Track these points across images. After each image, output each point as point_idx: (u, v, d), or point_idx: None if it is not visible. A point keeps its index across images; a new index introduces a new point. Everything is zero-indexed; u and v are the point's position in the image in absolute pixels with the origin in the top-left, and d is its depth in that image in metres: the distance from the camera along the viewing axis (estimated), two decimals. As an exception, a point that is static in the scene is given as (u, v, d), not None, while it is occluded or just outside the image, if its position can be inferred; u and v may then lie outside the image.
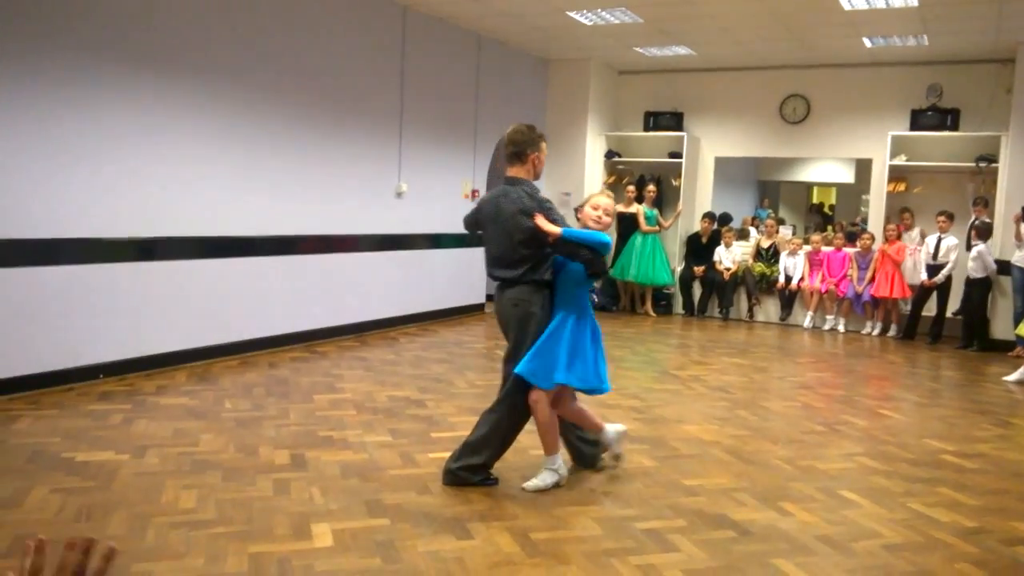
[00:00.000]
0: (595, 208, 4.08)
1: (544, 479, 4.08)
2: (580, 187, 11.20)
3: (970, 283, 9.00)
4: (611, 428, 4.43)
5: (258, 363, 6.71)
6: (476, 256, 10.04)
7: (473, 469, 4.05)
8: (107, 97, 5.70)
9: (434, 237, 9.23)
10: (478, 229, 4.32)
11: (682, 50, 10.09)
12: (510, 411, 4.07)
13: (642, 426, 5.34)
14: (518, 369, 3.92)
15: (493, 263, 4.10)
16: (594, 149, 11.37)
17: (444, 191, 9.37)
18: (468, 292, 9.99)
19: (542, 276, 3.99)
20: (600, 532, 3.57)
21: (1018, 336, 8.16)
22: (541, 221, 3.90)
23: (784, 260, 10.51)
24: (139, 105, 5.92)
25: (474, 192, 9.87)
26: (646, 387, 6.66)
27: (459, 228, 9.41)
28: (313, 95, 7.43)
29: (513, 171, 4.13)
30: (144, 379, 5.95)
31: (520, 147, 4.09)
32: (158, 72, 6.03)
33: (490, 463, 4.10)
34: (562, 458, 4.19)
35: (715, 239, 10.95)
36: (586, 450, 4.42)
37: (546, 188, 11.31)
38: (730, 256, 10.76)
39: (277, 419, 5.10)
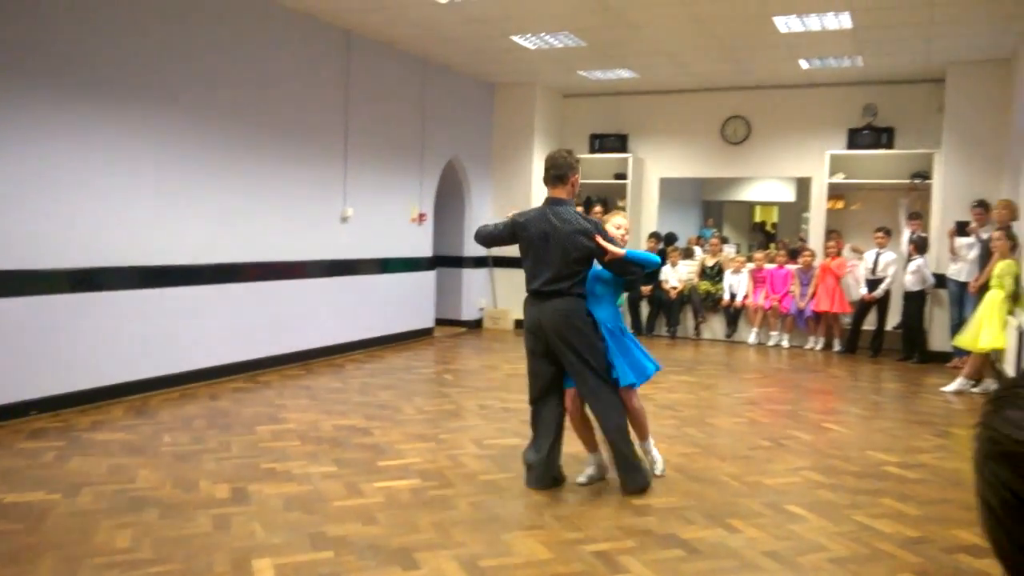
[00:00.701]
0: (618, 228, 4.60)
1: (655, 459, 4.70)
2: (527, 207, 11.18)
3: (908, 296, 9.22)
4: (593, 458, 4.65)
5: (199, 395, 6.54)
6: (425, 280, 9.99)
7: (635, 465, 4.41)
8: (36, 123, 5.54)
9: (382, 262, 9.16)
10: (508, 244, 4.66)
11: (625, 73, 10.23)
12: (622, 412, 4.45)
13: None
14: (626, 381, 4.40)
15: (542, 277, 4.36)
16: (541, 171, 11.38)
17: (391, 215, 9.32)
18: (417, 317, 9.91)
19: (581, 289, 4.41)
20: (549, 556, 3.53)
21: (955, 347, 8.37)
22: (604, 242, 4.30)
23: (728, 278, 10.66)
24: (71, 130, 5.77)
25: (421, 216, 9.83)
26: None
27: (407, 252, 9.51)
28: (255, 119, 7.34)
29: (556, 192, 4.47)
30: (79, 415, 5.75)
31: (562, 170, 4.45)
32: (92, 97, 5.89)
33: (633, 453, 4.45)
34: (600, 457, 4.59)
35: (663, 257, 11.06)
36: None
37: (493, 211, 11.34)
38: (676, 275, 10.88)
39: (218, 452, 4.96)
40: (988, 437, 0.54)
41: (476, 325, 11.22)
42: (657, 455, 4.75)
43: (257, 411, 6.07)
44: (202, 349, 6.90)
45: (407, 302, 9.67)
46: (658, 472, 4.70)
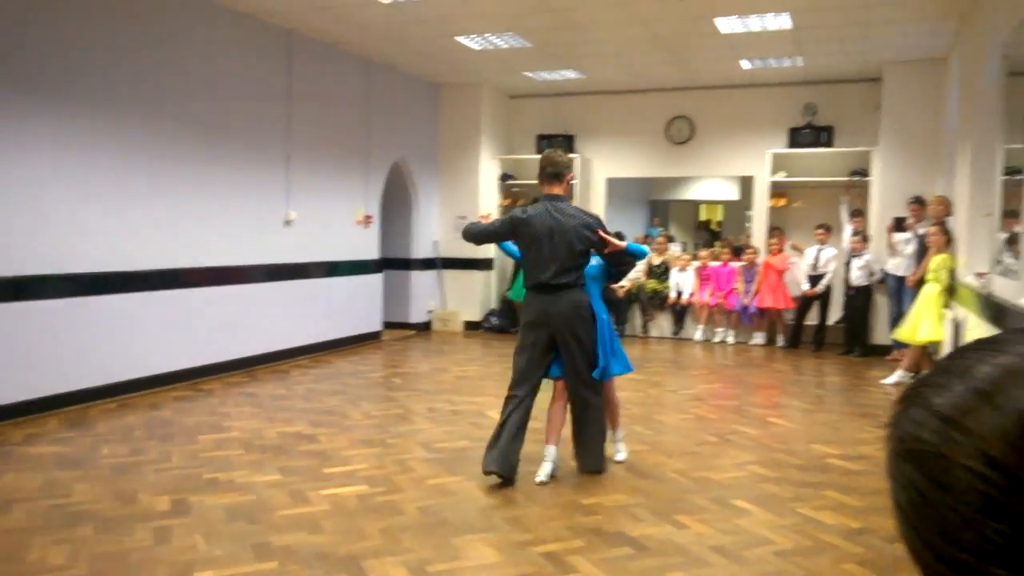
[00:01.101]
0: None
1: (620, 448, 5.04)
2: (475, 210, 11.20)
3: (855, 291, 9.42)
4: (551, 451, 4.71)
5: (138, 405, 6.37)
6: (372, 283, 9.88)
7: (602, 448, 4.78)
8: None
9: (327, 265, 9.03)
10: (503, 240, 4.87)
11: (571, 74, 10.27)
12: (602, 402, 4.77)
13: (541, 447, 5.29)
14: (615, 371, 4.81)
15: (550, 270, 4.53)
16: (488, 172, 11.41)
17: (336, 218, 9.20)
18: (364, 320, 9.80)
19: (583, 282, 4.66)
20: (499, 559, 3.51)
21: (895, 341, 8.58)
22: (605, 235, 4.56)
23: (675, 276, 10.76)
24: (-1, 135, 5.56)
25: (367, 218, 9.73)
26: (544, 408, 6.63)
27: (353, 255, 9.40)
28: (193, 119, 7.17)
29: (553, 189, 4.70)
30: (11, 428, 5.54)
31: (559, 168, 4.72)
32: (23, 98, 5.69)
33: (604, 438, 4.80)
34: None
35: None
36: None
37: (440, 212, 11.29)
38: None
39: (158, 463, 4.83)
40: (895, 436, 0.55)
41: (425, 328, 11.15)
42: (622, 444, 5.12)
43: (199, 420, 5.92)
44: (142, 357, 6.72)
45: (354, 305, 9.56)
46: (620, 459, 5.01)
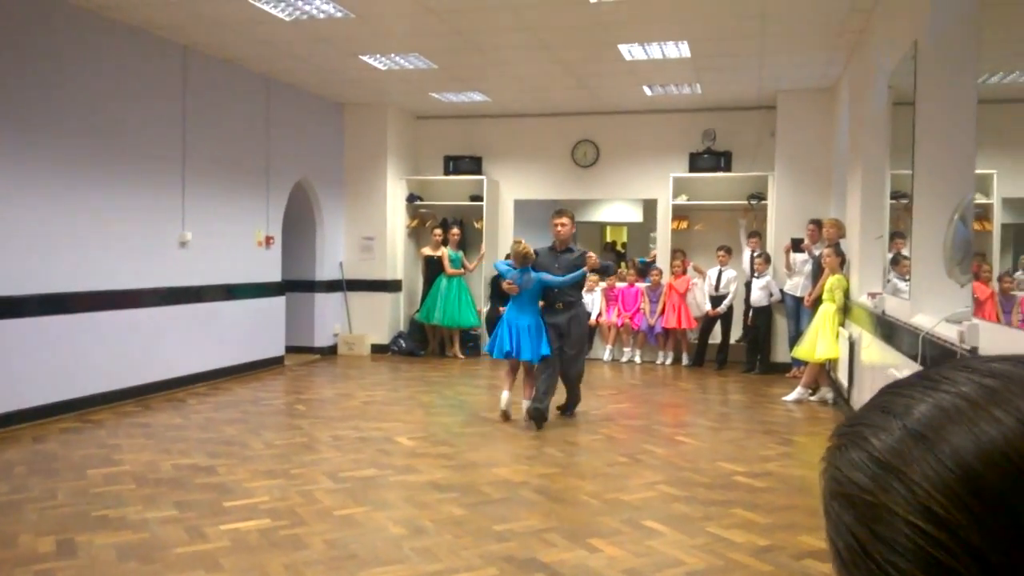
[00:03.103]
0: (564, 225, 7.06)
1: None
2: (383, 231, 11.06)
3: (756, 311, 9.70)
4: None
5: (20, 438, 5.94)
6: (274, 306, 9.59)
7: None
8: None
9: (226, 288, 8.70)
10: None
11: (478, 96, 10.28)
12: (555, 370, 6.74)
13: (452, 473, 5.21)
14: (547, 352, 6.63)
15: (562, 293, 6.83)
16: (395, 193, 11.28)
17: (235, 239, 8.89)
18: (266, 345, 9.47)
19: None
20: (409, 592, 3.39)
21: (794, 358, 8.86)
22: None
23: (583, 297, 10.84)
24: None
25: (268, 239, 9.44)
26: (456, 432, 6.56)
27: (254, 277, 9.09)
28: (83, 138, 6.81)
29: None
30: None
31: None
32: None
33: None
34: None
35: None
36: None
37: (346, 232, 11.08)
38: (533, 295, 10.96)
39: (41, 501, 4.49)
40: (832, 476, 0.51)
41: (331, 351, 10.87)
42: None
43: (88, 453, 5.57)
44: (25, 387, 6.28)
45: (255, 330, 9.23)
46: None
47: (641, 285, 10.69)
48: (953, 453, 0.45)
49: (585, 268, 6.85)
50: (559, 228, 6.91)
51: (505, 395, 6.76)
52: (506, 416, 6.76)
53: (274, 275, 9.62)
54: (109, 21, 7.06)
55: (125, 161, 7.30)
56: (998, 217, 7.60)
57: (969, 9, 4.23)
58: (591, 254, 7.00)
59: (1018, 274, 8.22)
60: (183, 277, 8.04)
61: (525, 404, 6.66)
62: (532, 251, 6.77)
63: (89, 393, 6.91)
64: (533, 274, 6.70)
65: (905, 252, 6.54)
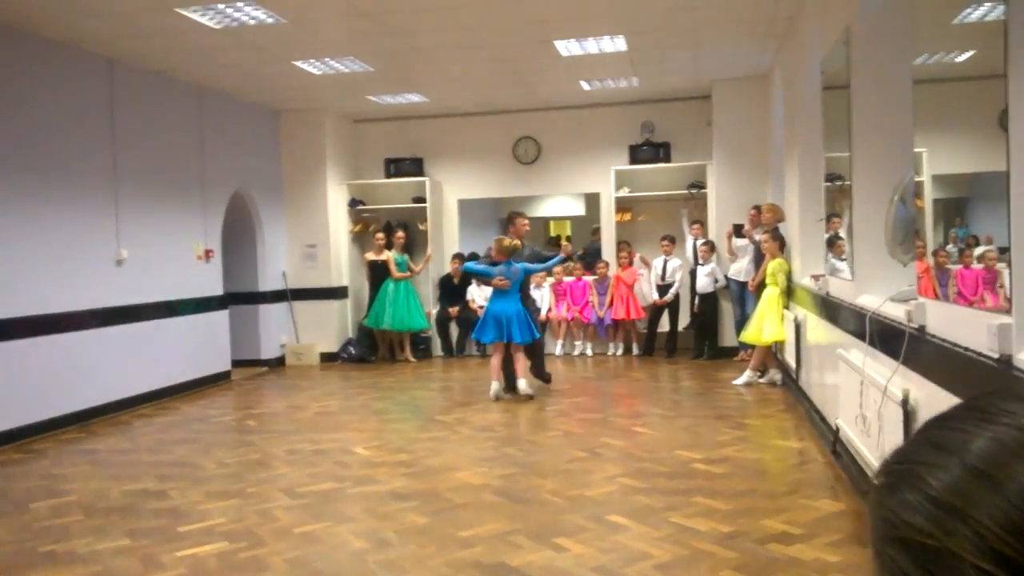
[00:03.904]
0: (525, 225, 8.07)
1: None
2: (325, 238, 10.89)
3: (703, 298, 9.82)
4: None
5: (-44, 474, 5.68)
6: (217, 320, 9.37)
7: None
8: None
9: (166, 304, 8.46)
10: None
11: (416, 97, 10.18)
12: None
13: (412, 481, 5.15)
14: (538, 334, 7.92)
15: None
16: (336, 198, 11.12)
17: (173, 254, 8.64)
18: (211, 360, 9.24)
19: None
20: (376, 607, 3.32)
21: (741, 342, 9.00)
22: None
23: (532, 293, 10.84)
24: None
25: (207, 252, 9.21)
26: (412, 438, 6.49)
27: (195, 292, 8.86)
28: (6, 158, 6.53)
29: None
30: None
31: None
32: None
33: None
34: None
35: (466, 279, 11.09)
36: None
37: (288, 241, 10.89)
38: (482, 294, 10.93)
39: (-18, 540, 4.30)
40: (884, 518, 0.49)
41: (278, 363, 10.67)
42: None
43: (30, 485, 5.35)
44: (-44, 421, 6.01)
45: (199, 345, 9.00)
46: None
47: (589, 279, 10.74)
48: (1015, 487, 0.43)
49: (562, 254, 8.63)
50: (527, 226, 8.14)
51: (495, 385, 7.61)
52: (498, 399, 7.60)
53: (215, 289, 9.40)
54: (29, 35, 6.79)
55: (53, 180, 7.03)
56: (929, 193, 7.83)
57: (899, -6, 4.32)
58: (565, 243, 9.29)
59: (949, 247, 8.50)
60: (121, 296, 7.79)
61: (522, 382, 7.61)
62: (518, 244, 7.73)
63: (29, 422, 6.65)
64: (517, 265, 7.53)
65: (841, 232, 6.68)
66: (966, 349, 2.87)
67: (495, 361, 7.70)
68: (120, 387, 7.73)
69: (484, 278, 7.77)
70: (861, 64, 4.59)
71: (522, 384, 7.61)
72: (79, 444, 6.55)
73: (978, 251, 7.62)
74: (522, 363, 7.67)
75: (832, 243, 6.90)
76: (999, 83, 2.68)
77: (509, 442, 6.12)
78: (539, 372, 8.11)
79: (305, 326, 10.92)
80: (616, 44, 7.94)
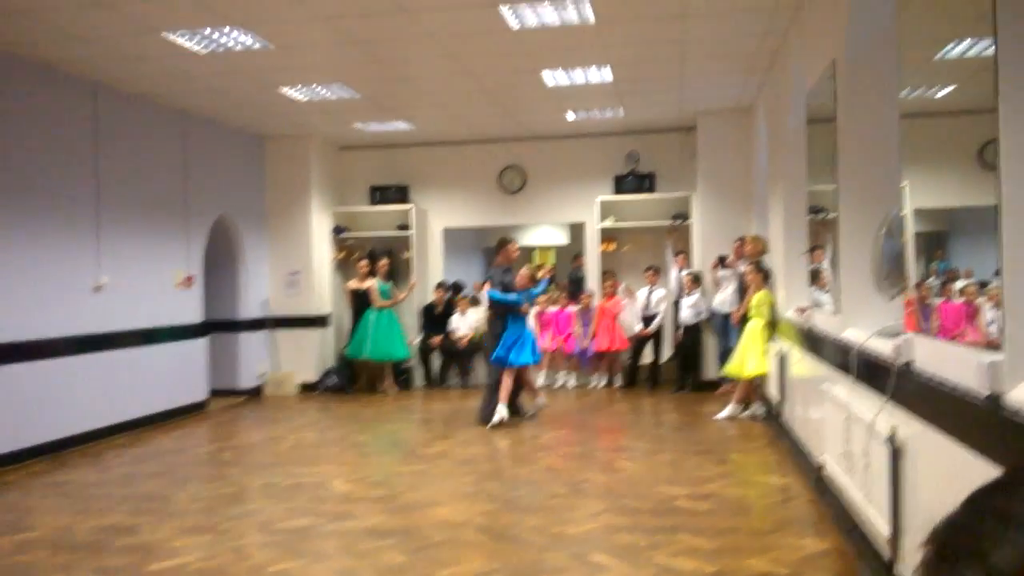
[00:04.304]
0: (515, 251, 8.62)
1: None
2: (309, 265, 10.79)
3: (686, 329, 9.78)
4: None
5: (-81, 507, 5.50)
6: (195, 349, 9.22)
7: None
8: None
9: (144, 332, 8.32)
10: None
11: (402, 125, 10.17)
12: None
13: (391, 517, 5.02)
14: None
15: None
16: (320, 225, 11.04)
17: (154, 280, 8.52)
18: (187, 390, 9.07)
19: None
20: (350, 651, 3.20)
21: (724, 376, 8.94)
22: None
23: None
24: None
25: (188, 279, 9.10)
26: (392, 472, 6.37)
27: (174, 319, 8.72)
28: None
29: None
30: None
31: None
32: None
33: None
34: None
35: (449, 308, 11.02)
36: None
37: (271, 269, 10.79)
38: (466, 323, 10.86)
39: (-58, 578, 4.14)
40: None
41: (256, 393, 10.51)
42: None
43: (-5, 519, 5.18)
44: (-79, 452, 5.84)
45: (176, 374, 8.84)
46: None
47: (572, 309, 10.69)
48: None
49: (546, 276, 9.29)
50: (517, 252, 8.73)
51: (505, 409, 7.82)
52: (502, 422, 7.81)
53: (195, 316, 9.26)
54: (13, 57, 6.72)
55: (34, 204, 6.93)
56: (911, 227, 7.86)
57: (887, 27, 4.33)
58: (547, 267, 9.85)
59: (930, 280, 8.53)
60: (98, 323, 7.65)
61: (540, 400, 8.48)
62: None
63: (-3, 452, 6.48)
64: (532, 291, 8.35)
65: (824, 264, 6.66)
66: (955, 387, 2.82)
67: (510, 383, 7.91)
68: (94, 417, 7.56)
69: (514, 306, 8.07)
70: (848, 97, 4.60)
71: (540, 400, 8.53)
72: (49, 476, 6.38)
73: (958, 285, 7.65)
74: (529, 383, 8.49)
75: (816, 276, 6.88)
76: (978, 119, 2.66)
77: (490, 476, 6.01)
78: (516, 399, 8.37)
79: (285, 355, 10.78)
80: (602, 75, 7.96)
